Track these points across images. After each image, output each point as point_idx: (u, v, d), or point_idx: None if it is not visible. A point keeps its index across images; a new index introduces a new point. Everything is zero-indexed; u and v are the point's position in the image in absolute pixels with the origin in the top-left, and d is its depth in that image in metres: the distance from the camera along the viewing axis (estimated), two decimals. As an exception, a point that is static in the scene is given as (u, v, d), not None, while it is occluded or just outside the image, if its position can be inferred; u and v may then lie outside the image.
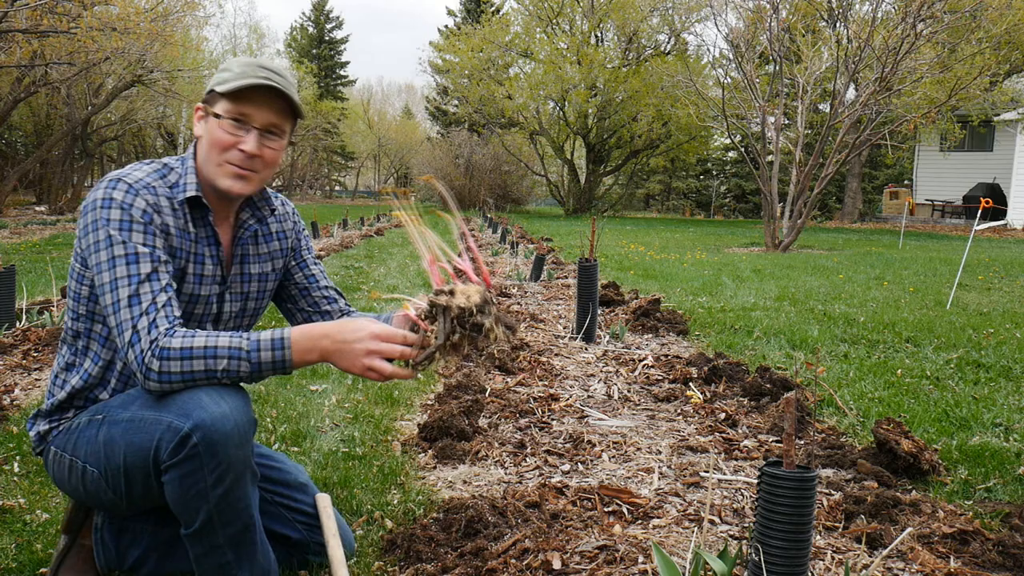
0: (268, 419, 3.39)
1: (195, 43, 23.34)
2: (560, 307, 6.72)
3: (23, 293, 5.84)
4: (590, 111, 31.12)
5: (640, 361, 4.66)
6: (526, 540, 2.19)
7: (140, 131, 28.75)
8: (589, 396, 3.93)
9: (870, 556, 2.24)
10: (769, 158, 15.49)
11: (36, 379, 3.99)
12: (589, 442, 3.18)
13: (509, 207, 34.42)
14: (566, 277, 8.81)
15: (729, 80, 18.51)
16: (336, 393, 3.85)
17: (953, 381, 4.26)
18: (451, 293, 1.69)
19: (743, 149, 17.52)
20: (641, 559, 2.13)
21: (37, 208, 22.56)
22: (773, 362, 4.64)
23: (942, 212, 24.86)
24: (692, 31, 41.73)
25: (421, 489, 2.67)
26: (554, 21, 31.48)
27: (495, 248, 12.41)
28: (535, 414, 3.56)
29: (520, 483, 2.77)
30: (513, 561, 2.08)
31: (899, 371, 4.46)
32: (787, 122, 18.03)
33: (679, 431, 3.40)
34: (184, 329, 1.72)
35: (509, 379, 4.15)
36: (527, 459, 3.01)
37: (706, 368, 4.23)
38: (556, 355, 4.79)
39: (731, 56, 19.46)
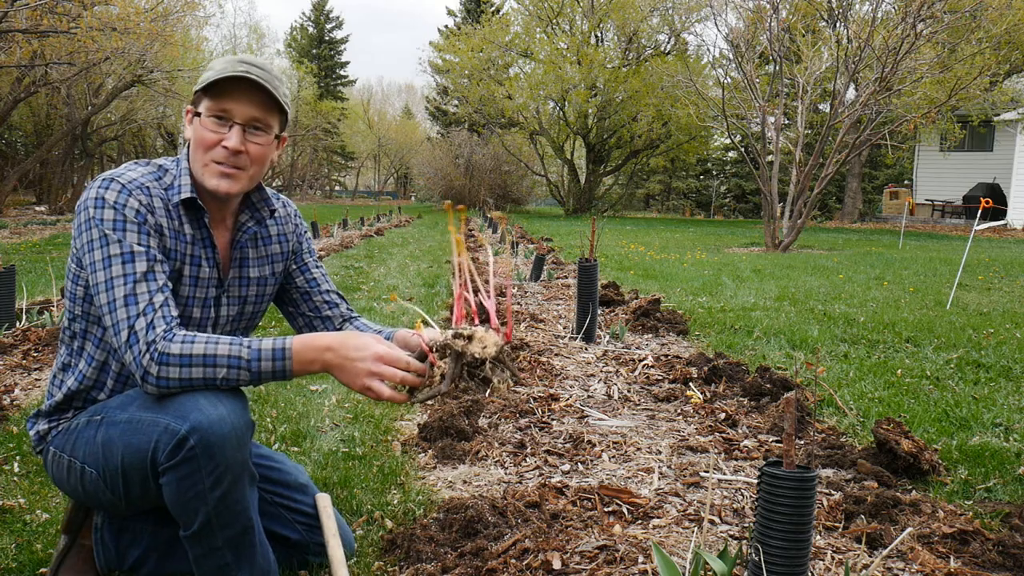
0: (268, 419, 3.39)
1: (195, 43, 23.36)
2: (560, 307, 6.72)
3: (23, 293, 5.84)
4: (590, 111, 31.13)
5: (640, 361, 4.66)
6: (526, 540, 2.19)
7: (140, 131, 28.76)
8: (589, 396, 3.93)
9: (870, 556, 2.24)
10: (769, 158, 15.49)
11: (36, 379, 3.99)
12: (589, 442, 3.18)
13: (509, 207, 34.41)
14: (566, 277, 8.81)
15: (729, 80, 18.52)
16: (336, 393, 3.85)
17: (953, 381, 4.26)
18: (469, 339, 1.64)
19: (743, 149, 17.53)
20: (641, 559, 2.13)
21: (37, 208, 22.57)
22: (773, 362, 4.64)
23: (942, 212, 24.86)
24: (692, 31, 41.77)
25: (421, 489, 2.67)
26: (554, 21, 31.49)
27: (495, 248, 12.42)
28: (535, 414, 3.56)
29: (520, 483, 2.77)
30: (513, 561, 2.08)
31: (899, 371, 4.46)
32: (787, 122, 18.03)
33: (679, 431, 3.40)
34: (183, 332, 1.70)
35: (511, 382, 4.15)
36: (527, 459, 3.01)
37: (706, 368, 4.23)
38: (556, 355, 4.79)
39: (731, 56, 19.46)
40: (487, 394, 1.67)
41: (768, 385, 3.85)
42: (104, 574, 2.02)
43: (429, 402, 3.77)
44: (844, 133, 13.32)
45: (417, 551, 2.16)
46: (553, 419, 3.51)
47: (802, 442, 3.21)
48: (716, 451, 3.13)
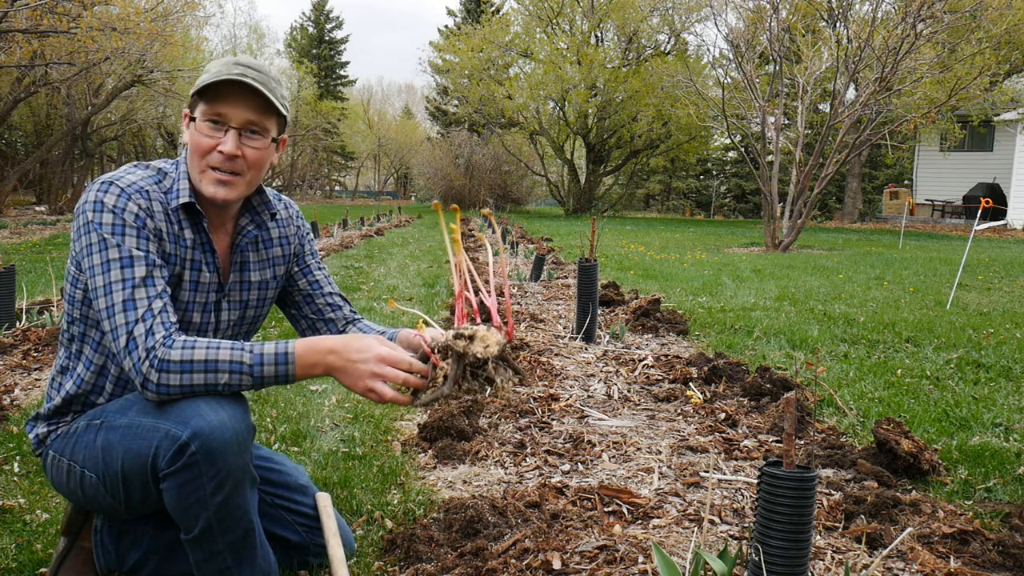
0: (268, 419, 3.39)
1: (195, 43, 23.37)
2: (560, 307, 6.72)
3: (23, 293, 5.84)
4: (590, 111, 31.13)
5: (640, 361, 4.66)
6: (526, 540, 2.19)
7: (140, 131, 28.77)
8: (589, 396, 3.93)
9: (870, 556, 2.24)
10: (769, 158, 15.49)
11: (36, 379, 3.99)
12: (589, 442, 3.18)
13: (509, 207, 34.42)
14: (566, 277, 8.81)
15: (729, 80, 18.51)
16: (336, 393, 3.85)
17: (953, 381, 4.26)
18: (471, 339, 1.63)
19: (743, 149, 17.52)
20: (641, 559, 2.13)
21: (37, 208, 22.57)
22: (773, 362, 4.64)
23: (942, 212, 24.86)
24: (692, 31, 41.76)
25: (421, 489, 2.67)
26: (554, 21, 31.49)
27: (495, 248, 12.41)
28: (535, 414, 3.56)
29: (520, 483, 2.77)
30: (513, 561, 2.08)
31: (899, 371, 4.46)
32: (787, 122, 18.03)
33: (679, 431, 3.40)
34: (183, 338, 1.68)
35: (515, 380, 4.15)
36: (527, 459, 3.01)
37: (706, 368, 4.23)
38: (556, 355, 4.79)
39: (731, 56, 19.46)
40: (487, 394, 1.66)
41: (768, 385, 3.85)
42: None
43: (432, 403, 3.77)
44: (844, 133, 13.32)
45: (417, 551, 2.16)
46: (553, 419, 3.51)
47: (802, 442, 3.21)
48: (716, 451, 3.13)
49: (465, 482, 2.78)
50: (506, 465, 2.95)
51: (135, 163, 1.89)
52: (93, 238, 1.71)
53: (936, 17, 12.68)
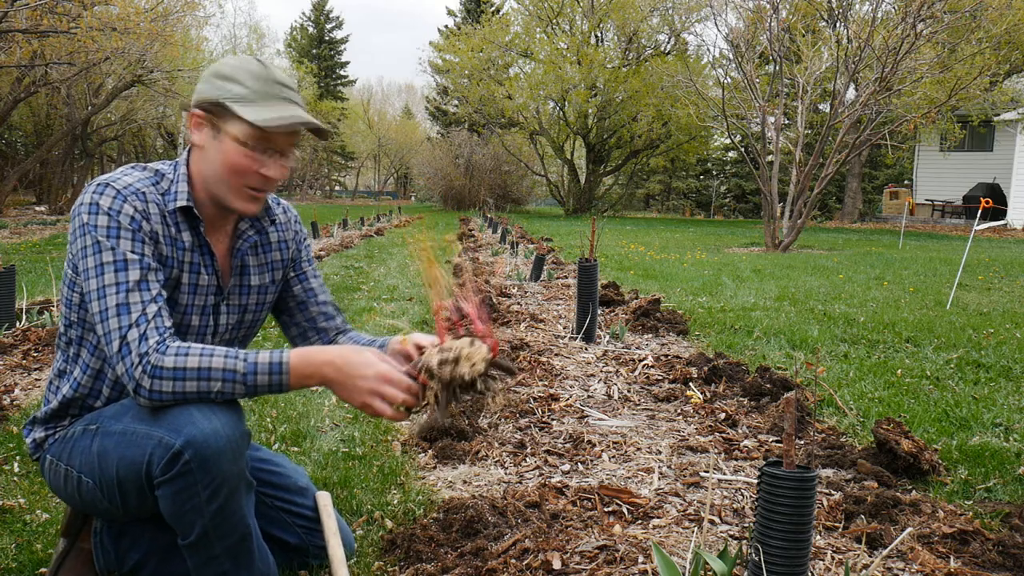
0: (268, 419, 3.39)
1: (195, 43, 23.37)
2: (560, 307, 6.72)
3: (23, 293, 5.84)
4: (590, 111, 31.14)
5: (640, 361, 4.66)
6: (526, 540, 2.19)
7: (140, 131, 28.75)
8: (589, 396, 3.93)
9: (870, 556, 2.24)
10: (769, 158, 15.49)
11: (36, 379, 3.99)
12: (589, 442, 3.18)
13: (509, 207, 34.42)
14: (566, 277, 8.81)
15: (729, 80, 18.52)
16: (336, 393, 3.85)
17: (953, 381, 4.26)
18: (456, 362, 1.61)
19: (743, 149, 17.53)
20: (641, 559, 2.13)
21: (37, 208, 22.58)
22: (773, 362, 4.64)
23: (942, 212, 24.86)
24: (692, 31, 41.78)
25: (421, 489, 2.67)
26: (554, 21, 31.49)
27: (495, 248, 12.41)
28: (535, 414, 3.56)
29: (520, 483, 2.77)
30: (513, 561, 2.08)
31: (899, 371, 4.46)
32: (787, 122, 18.03)
33: (679, 431, 3.40)
34: (177, 343, 1.66)
35: (509, 379, 4.15)
36: (527, 459, 3.01)
37: (706, 368, 4.23)
38: (556, 355, 4.79)
39: (731, 56, 19.46)
40: (486, 403, 1.65)
41: (768, 385, 3.85)
42: (103, 576, 2.01)
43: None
44: (844, 133, 13.32)
45: (417, 551, 2.16)
46: (553, 419, 3.51)
47: (802, 442, 3.21)
48: (716, 451, 3.13)
49: (465, 482, 2.78)
50: (506, 465, 2.95)
51: (133, 164, 1.87)
52: (88, 241, 1.70)
53: (936, 17, 12.68)
